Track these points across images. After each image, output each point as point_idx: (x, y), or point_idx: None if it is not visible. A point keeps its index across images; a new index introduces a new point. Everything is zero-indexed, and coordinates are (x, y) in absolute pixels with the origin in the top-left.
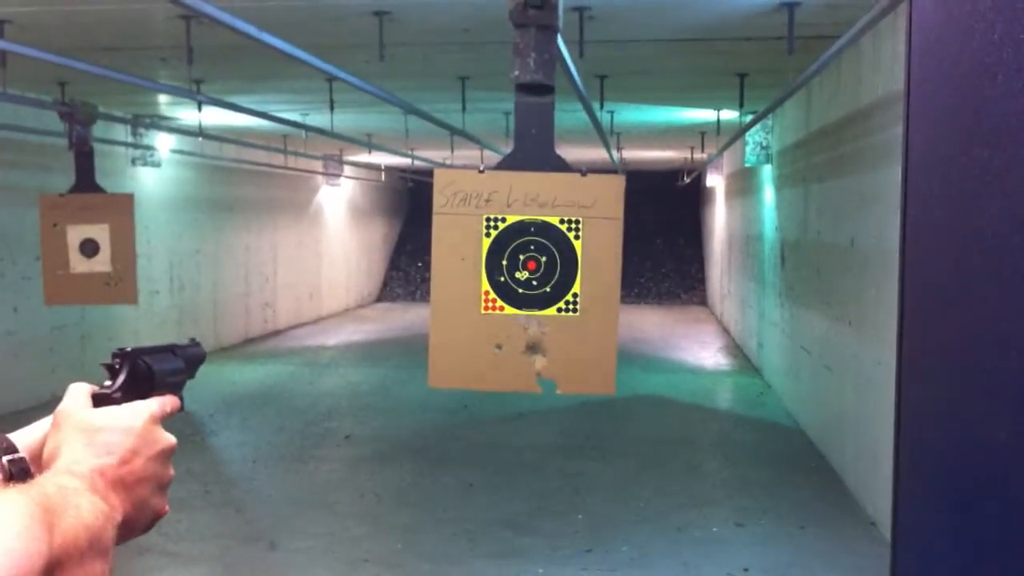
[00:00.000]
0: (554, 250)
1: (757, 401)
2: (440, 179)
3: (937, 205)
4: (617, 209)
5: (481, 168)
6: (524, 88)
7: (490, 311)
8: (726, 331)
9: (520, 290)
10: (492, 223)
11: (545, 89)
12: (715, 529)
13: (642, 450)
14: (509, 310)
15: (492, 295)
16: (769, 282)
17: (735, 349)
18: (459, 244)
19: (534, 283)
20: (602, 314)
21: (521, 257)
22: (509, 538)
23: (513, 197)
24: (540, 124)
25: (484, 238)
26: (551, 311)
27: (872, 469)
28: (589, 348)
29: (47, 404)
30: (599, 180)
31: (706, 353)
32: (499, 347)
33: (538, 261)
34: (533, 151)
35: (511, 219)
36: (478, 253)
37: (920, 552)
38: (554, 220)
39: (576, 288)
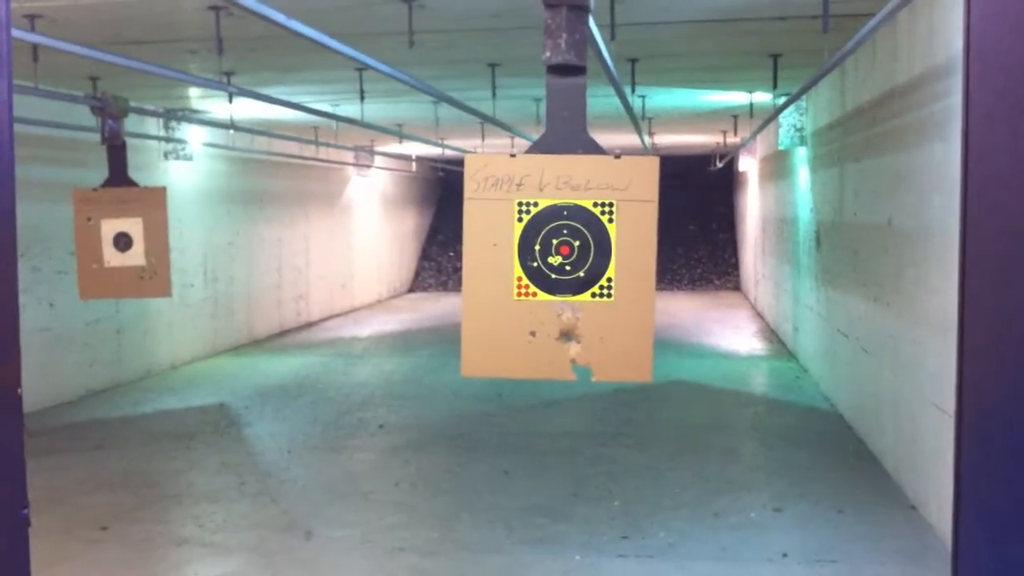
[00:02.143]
0: (587, 234)
1: (793, 385)
2: (471, 164)
3: (1000, 182)
4: (652, 191)
5: (513, 152)
6: (555, 69)
7: (523, 297)
8: (760, 316)
9: (553, 275)
10: (524, 207)
11: (576, 70)
12: (752, 514)
13: (677, 435)
14: (542, 296)
15: (525, 281)
16: (804, 265)
17: (770, 333)
18: (491, 230)
19: (567, 268)
20: (637, 299)
21: (554, 242)
22: (545, 525)
23: (545, 181)
24: (572, 106)
25: (516, 223)
26: (585, 296)
27: (912, 451)
28: (624, 334)
29: (84, 398)
30: (633, 162)
31: (740, 338)
32: (533, 334)
33: (571, 245)
34: (565, 133)
35: (544, 203)
36: (510, 238)
37: (984, 546)
38: (587, 203)
39: (610, 273)
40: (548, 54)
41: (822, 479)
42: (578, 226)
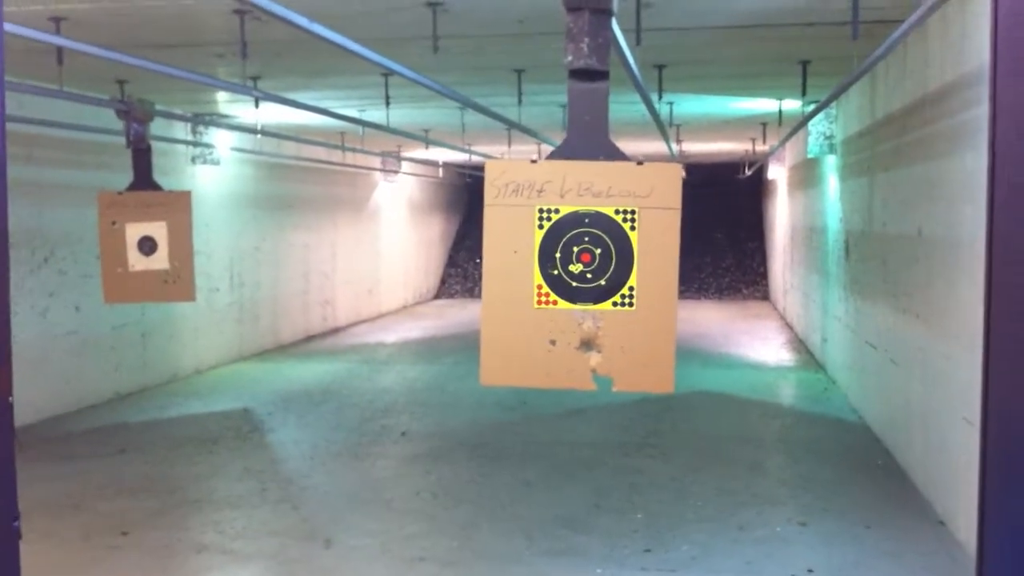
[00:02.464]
0: (609, 242)
1: (821, 397)
2: (492, 170)
3: None
4: (675, 198)
5: (534, 158)
6: (577, 74)
7: (543, 306)
8: (789, 326)
9: (574, 283)
10: (545, 214)
11: (599, 75)
12: (778, 528)
13: (702, 447)
14: (563, 304)
15: (545, 289)
16: (833, 275)
17: (798, 344)
18: (511, 236)
19: (588, 276)
20: (660, 308)
21: (575, 249)
22: (567, 536)
23: (567, 187)
24: (594, 111)
25: (537, 230)
26: (606, 305)
27: (941, 466)
28: (646, 344)
29: (109, 402)
30: (656, 168)
31: (768, 348)
32: (553, 343)
33: (592, 253)
34: (587, 139)
35: (565, 210)
36: (531, 245)
37: (1010, 563)
38: (609, 211)
39: (632, 281)
40: (570, 58)
41: (849, 493)
42: (599, 233)
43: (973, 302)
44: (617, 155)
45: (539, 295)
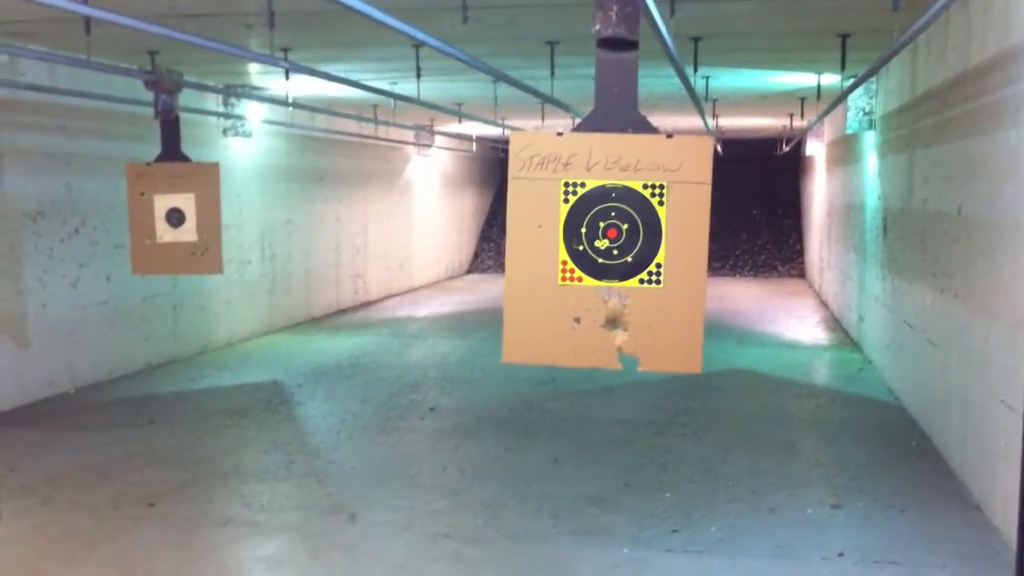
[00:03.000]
0: (636, 217)
1: (856, 377)
2: (516, 143)
3: None
4: (705, 173)
5: (560, 131)
6: (606, 43)
7: (568, 282)
8: (824, 304)
9: (600, 260)
10: (571, 188)
11: (628, 44)
12: (809, 511)
13: (734, 426)
14: (588, 281)
15: (570, 265)
16: (870, 253)
17: (834, 323)
18: (536, 211)
19: (615, 252)
20: (688, 286)
21: (601, 224)
22: (594, 515)
23: (593, 160)
24: (622, 82)
25: (562, 204)
26: (633, 282)
27: (978, 449)
28: (674, 323)
29: (140, 373)
30: (685, 142)
31: (803, 327)
32: (577, 320)
33: (619, 229)
34: (615, 111)
35: (591, 183)
36: (555, 220)
37: None
38: (637, 185)
39: (660, 258)
40: (598, 27)
41: (883, 475)
42: (627, 208)
43: (1014, 283)
44: (646, 128)
45: (564, 271)
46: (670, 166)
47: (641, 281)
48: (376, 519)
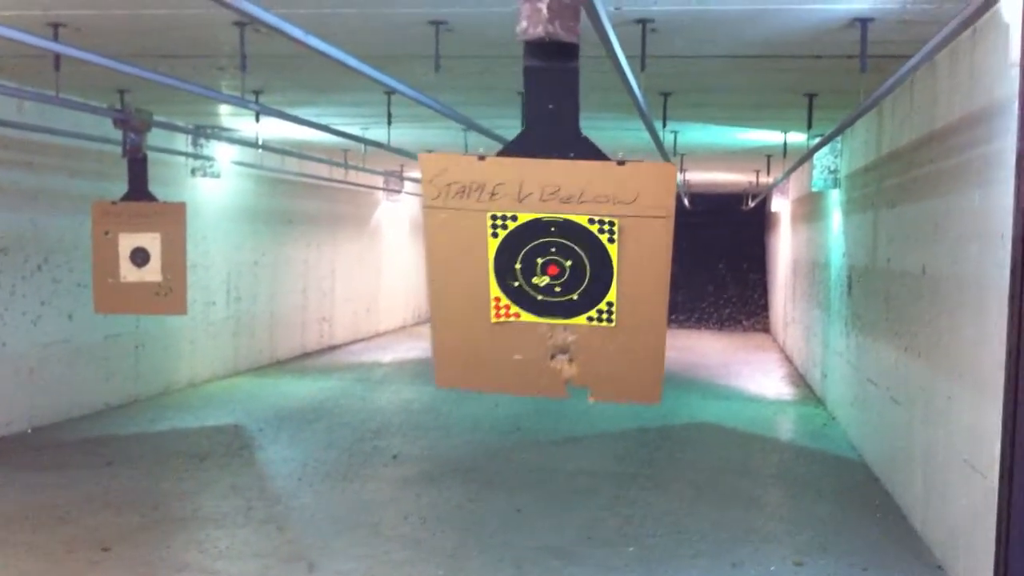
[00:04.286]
0: (581, 253)
1: (820, 432)
2: (428, 166)
3: None
4: (667, 204)
5: (481, 152)
6: (536, 48)
7: (503, 319)
8: (789, 359)
9: (540, 296)
10: (500, 222)
11: (565, 50)
12: (772, 567)
13: (699, 480)
14: (527, 317)
15: (505, 301)
16: (835, 310)
17: (798, 378)
18: (459, 244)
19: (557, 289)
20: (646, 327)
21: (539, 261)
22: (557, 568)
23: (526, 191)
24: (561, 96)
25: (491, 239)
26: (580, 320)
27: (941, 509)
28: (629, 355)
29: (100, 413)
30: (642, 169)
31: (768, 381)
32: (518, 357)
33: (561, 265)
34: (552, 132)
35: (524, 217)
36: (483, 256)
37: None
38: (581, 220)
39: (611, 297)
40: (524, 24)
41: (846, 533)
42: (569, 244)
43: (978, 342)
44: (591, 152)
45: (497, 308)
46: (623, 197)
47: (590, 319)
48: (336, 568)
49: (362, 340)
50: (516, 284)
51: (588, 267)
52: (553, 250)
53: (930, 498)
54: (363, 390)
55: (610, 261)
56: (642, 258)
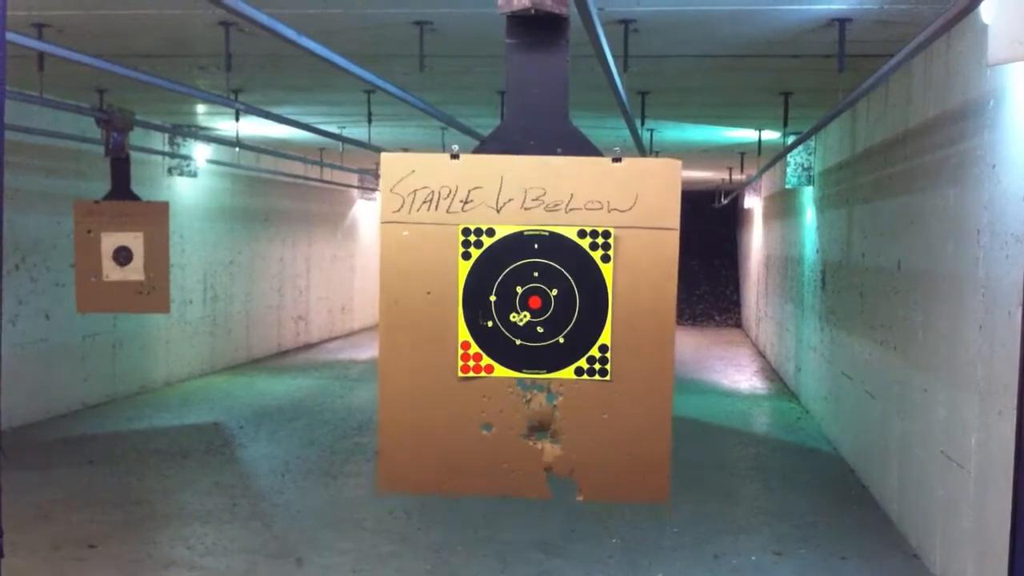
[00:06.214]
0: (570, 278)
1: (795, 426)
2: (391, 168)
3: None
4: (672, 212)
5: (455, 150)
6: (520, 22)
7: (471, 373)
8: (762, 354)
9: (518, 341)
10: (473, 238)
11: (553, 23)
12: (753, 557)
13: (677, 474)
14: (501, 371)
15: (474, 349)
16: (808, 305)
17: (771, 372)
18: (421, 271)
19: (539, 330)
20: (649, 377)
21: (519, 290)
22: (541, 560)
23: (506, 195)
24: (546, 81)
25: (461, 260)
26: (567, 373)
27: (916, 499)
28: (627, 431)
29: (77, 413)
30: (642, 166)
31: (741, 376)
32: (487, 427)
33: (546, 296)
34: (535, 123)
35: (503, 230)
36: (452, 284)
37: None
38: (570, 232)
39: (605, 338)
40: None
41: (824, 523)
42: (555, 266)
43: (952, 336)
44: (582, 147)
45: (465, 357)
46: (619, 204)
47: (579, 371)
48: (323, 563)
49: (337, 338)
50: (489, 324)
51: (578, 298)
52: (536, 274)
53: (905, 489)
54: (340, 388)
55: (604, 287)
56: (642, 284)
